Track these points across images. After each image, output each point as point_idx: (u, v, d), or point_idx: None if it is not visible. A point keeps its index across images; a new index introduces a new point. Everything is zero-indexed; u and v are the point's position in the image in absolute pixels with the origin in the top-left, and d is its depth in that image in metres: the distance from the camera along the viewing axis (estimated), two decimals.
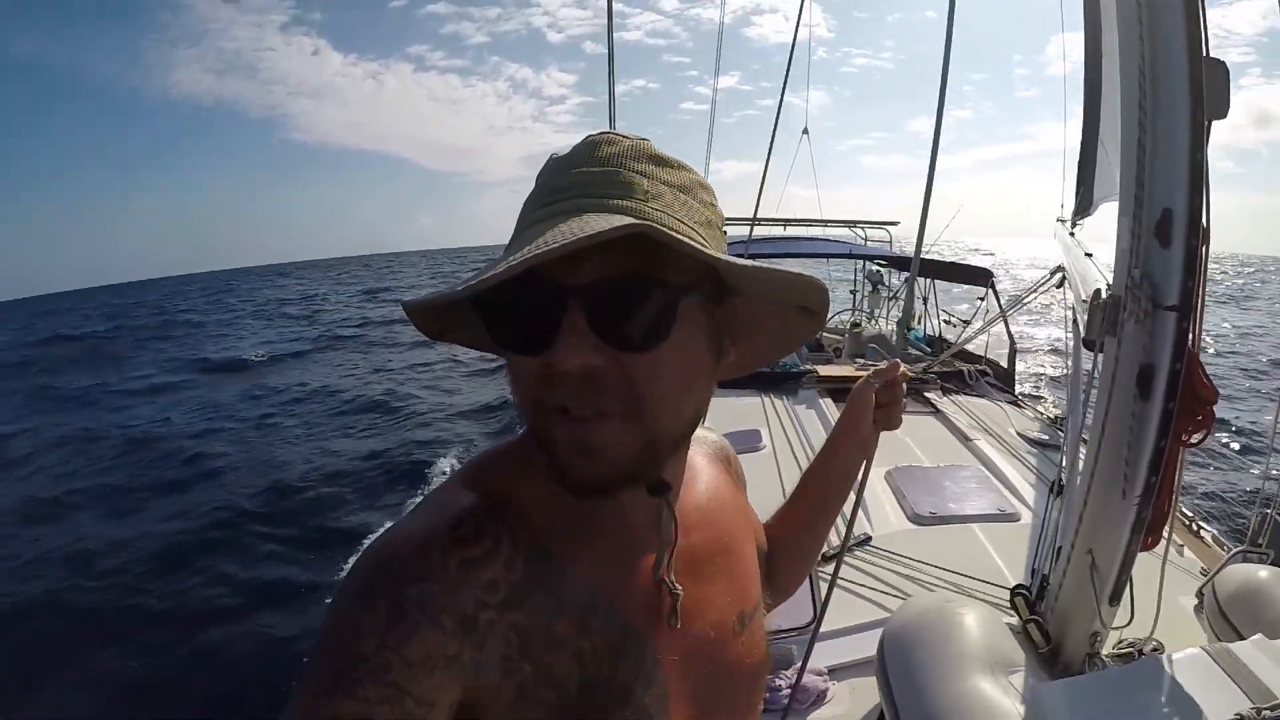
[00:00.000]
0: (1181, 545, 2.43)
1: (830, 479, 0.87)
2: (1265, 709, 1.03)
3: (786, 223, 8.04)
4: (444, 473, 7.87)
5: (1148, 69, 1.11)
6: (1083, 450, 1.54)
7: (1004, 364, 5.30)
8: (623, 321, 0.46)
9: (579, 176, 0.48)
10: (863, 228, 8.52)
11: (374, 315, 27.02)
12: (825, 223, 8.45)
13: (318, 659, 0.44)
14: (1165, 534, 1.36)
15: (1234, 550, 1.92)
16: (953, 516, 2.55)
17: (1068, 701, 1.12)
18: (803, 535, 0.90)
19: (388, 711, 0.42)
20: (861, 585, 2.06)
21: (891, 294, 7.83)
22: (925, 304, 6.76)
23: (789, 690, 1.64)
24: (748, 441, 3.42)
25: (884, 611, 1.85)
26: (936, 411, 3.91)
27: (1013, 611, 1.66)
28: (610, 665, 0.52)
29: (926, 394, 4.22)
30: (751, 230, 3.78)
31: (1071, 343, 2.55)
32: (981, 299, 5.69)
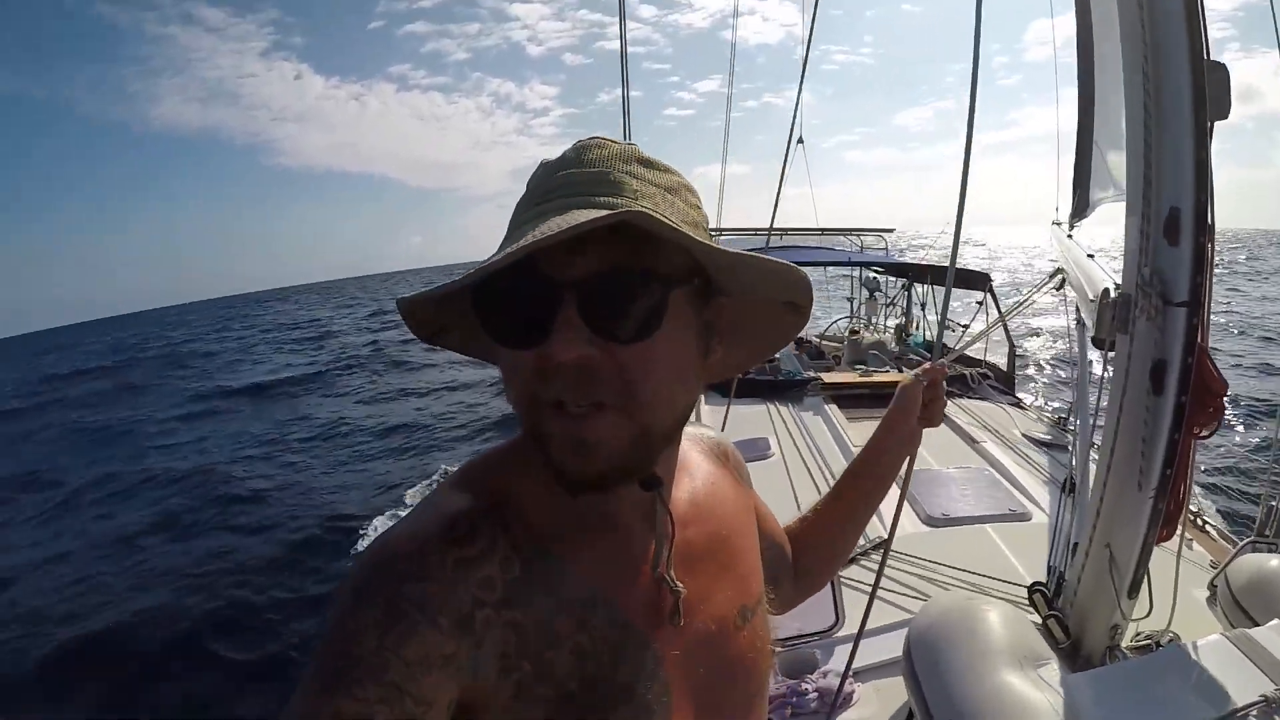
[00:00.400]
0: (1190, 540, 2.46)
1: (872, 478, 0.89)
2: None
3: (785, 232, 8.09)
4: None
5: (1151, 74, 1.15)
6: (1093, 447, 1.57)
7: (1003, 366, 5.35)
8: (616, 313, 0.47)
9: (569, 177, 0.49)
10: (858, 235, 8.60)
11: (384, 338, 26.90)
12: (822, 231, 8.53)
13: (317, 659, 0.45)
14: (1180, 525, 1.39)
15: (1244, 541, 1.95)
16: (965, 517, 2.58)
17: (1097, 693, 1.15)
18: (836, 536, 0.90)
19: (386, 711, 0.43)
20: (879, 587, 2.08)
21: (889, 300, 7.88)
22: (924, 309, 6.81)
23: (816, 694, 1.65)
24: (756, 449, 3.45)
25: (903, 613, 1.87)
26: None
27: (1031, 609, 1.68)
28: (611, 662, 0.52)
29: None
30: (768, 241, 3.83)
31: (1076, 343, 2.59)
32: (980, 303, 5.73)
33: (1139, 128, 1.18)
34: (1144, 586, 1.41)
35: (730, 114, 6.01)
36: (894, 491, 0.96)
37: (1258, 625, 1.40)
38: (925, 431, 0.96)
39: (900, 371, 5.29)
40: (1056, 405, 6.99)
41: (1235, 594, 1.64)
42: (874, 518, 0.93)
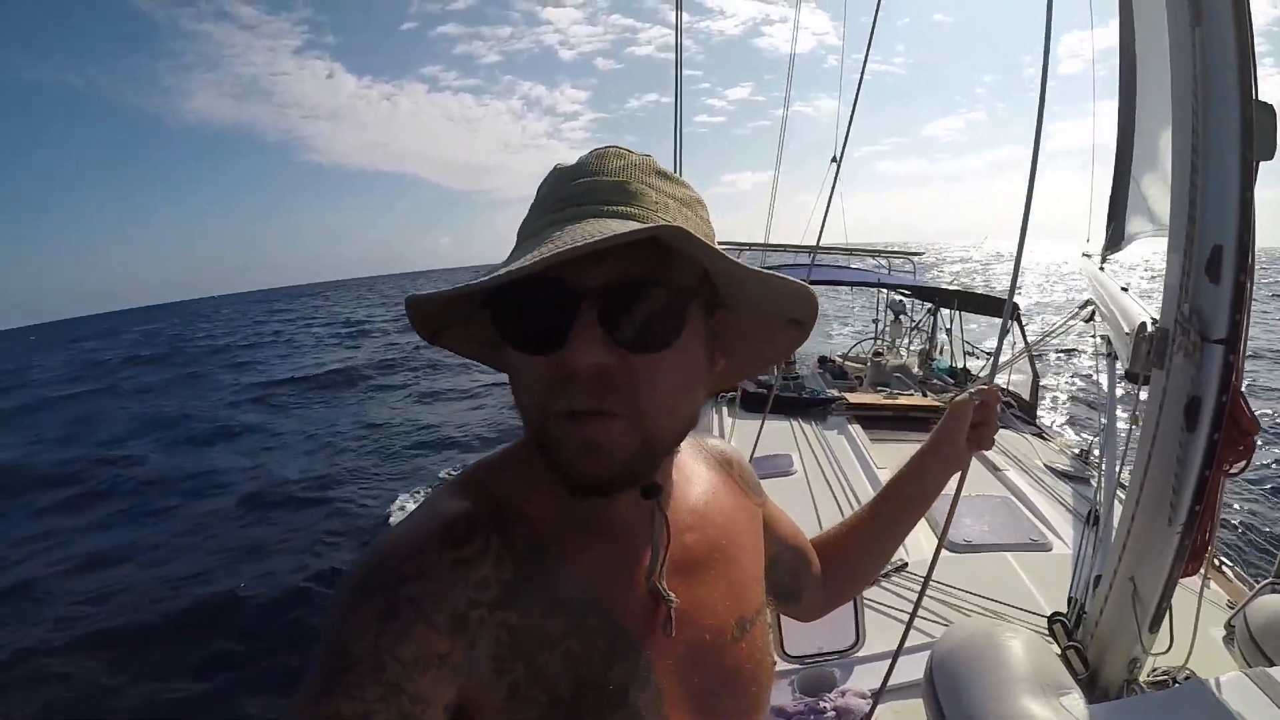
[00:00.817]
0: (1209, 578, 2.43)
1: (911, 497, 0.87)
2: None
3: (814, 250, 8.07)
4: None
5: (1200, 112, 1.16)
6: (1120, 480, 1.56)
7: (1026, 396, 5.31)
8: (636, 323, 0.47)
9: (589, 185, 0.49)
10: (886, 257, 8.57)
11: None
12: (850, 251, 8.51)
13: (317, 659, 0.45)
14: (1204, 562, 1.39)
15: (1263, 582, 1.93)
16: (986, 545, 2.56)
17: None
18: (869, 548, 0.90)
19: (385, 710, 0.43)
20: (900, 610, 2.08)
21: (914, 324, 7.84)
22: (949, 335, 6.77)
23: (834, 713, 1.65)
24: (779, 466, 3.45)
25: (924, 636, 1.87)
26: None
27: (1050, 638, 1.67)
28: (603, 667, 0.52)
29: None
30: (813, 257, 3.85)
31: (1105, 376, 2.58)
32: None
33: (1185, 165, 1.19)
34: (1164, 622, 1.40)
35: (785, 127, 6.02)
36: (940, 508, 0.95)
37: (1276, 666, 1.40)
38: None
39: (924, 395, 5.26)
40: (1076, 438, 6.90)
41: (1254, 634, 1.62)
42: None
